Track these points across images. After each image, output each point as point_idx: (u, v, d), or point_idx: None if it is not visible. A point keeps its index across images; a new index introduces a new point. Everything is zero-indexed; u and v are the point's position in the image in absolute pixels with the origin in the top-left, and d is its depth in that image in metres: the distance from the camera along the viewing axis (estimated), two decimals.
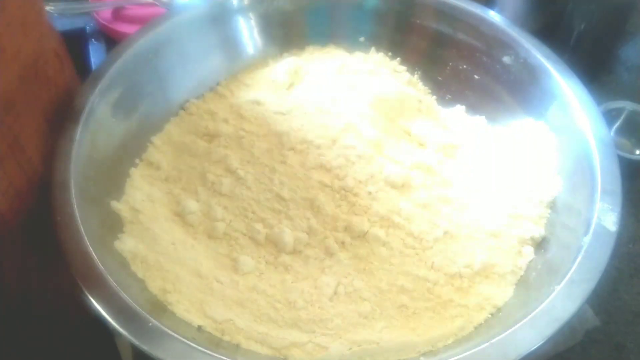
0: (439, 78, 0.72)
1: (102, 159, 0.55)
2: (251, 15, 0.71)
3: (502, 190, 0.58)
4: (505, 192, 0.58)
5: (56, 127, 0.52)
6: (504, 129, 0.66)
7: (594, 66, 0.83)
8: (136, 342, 0.42)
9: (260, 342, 0.48)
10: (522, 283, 0.53)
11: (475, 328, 0.50)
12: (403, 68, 0.73)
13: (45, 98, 0.52)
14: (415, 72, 0.73)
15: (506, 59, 0.66)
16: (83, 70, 0.61)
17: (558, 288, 0.46)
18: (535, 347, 0.42)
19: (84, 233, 0.47)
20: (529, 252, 0.55)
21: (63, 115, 0.53)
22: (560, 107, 0.60)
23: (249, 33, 0.72)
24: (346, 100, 0.65)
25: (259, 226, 0.55)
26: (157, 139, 0.62)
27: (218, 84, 0.70)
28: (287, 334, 0.49)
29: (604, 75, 0.85)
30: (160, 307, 0.48)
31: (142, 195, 0.57)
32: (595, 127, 0.56)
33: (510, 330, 0.43)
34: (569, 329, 0.58)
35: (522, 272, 0.54)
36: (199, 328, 0.48)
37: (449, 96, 0.72)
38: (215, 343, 0.47)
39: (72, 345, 0.58)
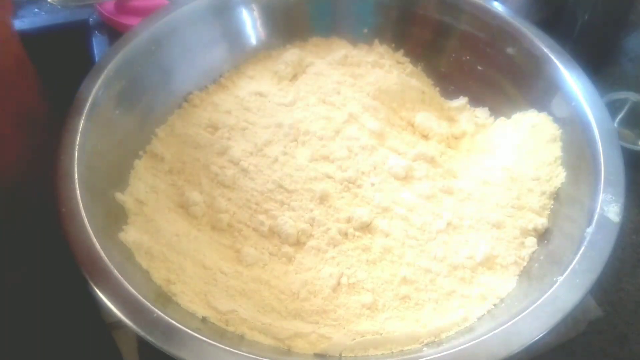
0: (442, 69, 0.72)
1: (106, 151, 0.56)
2: (254, 6, 0.71)
3: (504, 181, 0.58)
4: (508, 183, 0.58)
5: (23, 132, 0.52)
6: (507, 120, 0.66)
7: (598, 57, 0.83)
8: (141, 332, 0.42)
9: (264, 332, 0.48)
10: (525, 274, 0.53)
11: (478, 319, 0.50)
12: (406, 59, 0.73)
13: (8, 103, 0.51)
14: (419, 64, 0.73)
15: (510, 50, 0.66)
16: (86, 63, 0.61)
17: (561, 279, 0.46)
18: (537, 337, 0.43)
19: (88, 224, 0.47)
20: (531, 243, 0.55)
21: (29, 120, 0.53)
22: (563, 98, 0.60)
23: (252, 25, 0.72)
24: (349, 91, 0.65)
25: (262, 217, 0.55)
26: (160, 131, 0.63)
27: (221, 75, 0.70)
28: (291, 324, 0.49)
29: (608, 66, 0.85)
30: (164, 298, 0.49)
31: (146, 187, 0.57)
32: (598, 118, 0.55)
33: (513, 321, 0.44)
34: (572, 319, 0.58)
35: (525, 263, 0.54)
36: (204, 319, 0.48)
37: (453, 87, 0.72)
38: (220, 334, 0.47)
39: (73, 342, 0.58)
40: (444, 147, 0.64)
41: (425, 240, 0.55)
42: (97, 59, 0.72)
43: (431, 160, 0.61)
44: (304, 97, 0.65)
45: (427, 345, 0.48)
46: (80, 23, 0.79)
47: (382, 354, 0.48)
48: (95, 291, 0.44)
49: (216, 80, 0.70)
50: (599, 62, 0.83)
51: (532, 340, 0.42)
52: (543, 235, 0.55)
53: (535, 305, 0.45)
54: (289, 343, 0.48)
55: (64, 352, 0.58)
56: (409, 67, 0.72)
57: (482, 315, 0.50)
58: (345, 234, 0.55)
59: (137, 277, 0.48)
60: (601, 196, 0.50)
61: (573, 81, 0.59)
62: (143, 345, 0.56)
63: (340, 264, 0.53)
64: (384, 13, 0.73)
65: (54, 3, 0.77)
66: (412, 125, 0.66)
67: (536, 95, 0.63)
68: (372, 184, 0.57)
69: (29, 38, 0.61)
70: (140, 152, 0.60)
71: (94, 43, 0.76)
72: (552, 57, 0.61)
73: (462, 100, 0.70)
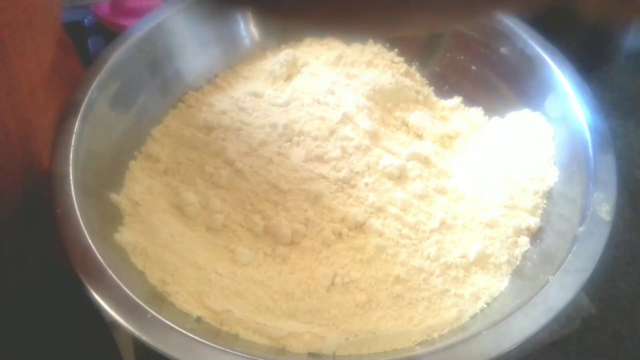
0: (437, 69, 0.72)
1: (101, 152, 0.56)
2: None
3: (498, 180, 0.58)
4: (502, 182, 0.58)
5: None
6: (501, 120, 0.66)
7: (593, 54, 0.83)
8: (136, 333, 0.42)
9: (258, 332, 0.48)
10: (518, 273, 0.54)
11: (471, 318, 0.50)
12: (401, 59, 0.73)
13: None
14: (413, 63, 0.73)
15: (503, 50, 0.66)
16: (82, 64, 0.61)
17: (553, 278, 0.46)
18: (529, 336, 0.43)
19: (83, 226, 0.47)
20: (524, 242, 0.55)
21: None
22: (557, 98, 0.60)
23: (246, 25, 0.72)
24: (344, 91, 0.65)
25: (257, 218, 0.56)
26: (156, 132, 0.63)
27: (216, 76, 0.70)
28: (285, 324, 0.49)
29: (604, 64, 0.85)
30: (159, 299, 0.49)
31: (142, 188, 0.57)
32: (591, 117, 0.56)
33: (505, 320, 0.44)
34: (565, 317, 0.58)
35: (517, 262, 0.54)
36: (198, 319, 0.48)
37: (447, 87, 0.72)
38: (214, 333, 0.47)
39: (72, 339, 0.59)
40: (438, 147, 0.64)
41: (419, 240, 0.55)
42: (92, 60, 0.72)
43: (425, 160, 0.61)
44: (298, 97, 0.65)
45: (419, 344, 0.48)
46: (76, 24, 0.79)
47: (376, 353, 0.48)
48: (90, 292, 0.44)
49: (211, 80, 0.70)
50: (594, 60, 0.84)
51: (524, 339, 0.43)
52: (536, 235, 0.56)
53: (527, 304, 0.45)
54: (283, 342, 0.48)
55: (64, 350, 0.58)
56: (403, 67, 0.72)
57: (475, 314, 0.51)
58: (339, 234, 0.55)
59: (132, 278, 0.49)
60: (593, 195, 0.50)
61: (566, 81, 0.59)
62: (138, 345, 0.57)
63: (334, 264, 0.53)
64: None
65: None
66: (407, 125, 0.66)
67: (530, 94, 0.64)
68: (366, 184, 0.58)
69: None
70: (136, 153, 0.61)
71: (89, 44, 0.76)
72: (546, 56, 0.62)
73: (456, 100, 0.70)
